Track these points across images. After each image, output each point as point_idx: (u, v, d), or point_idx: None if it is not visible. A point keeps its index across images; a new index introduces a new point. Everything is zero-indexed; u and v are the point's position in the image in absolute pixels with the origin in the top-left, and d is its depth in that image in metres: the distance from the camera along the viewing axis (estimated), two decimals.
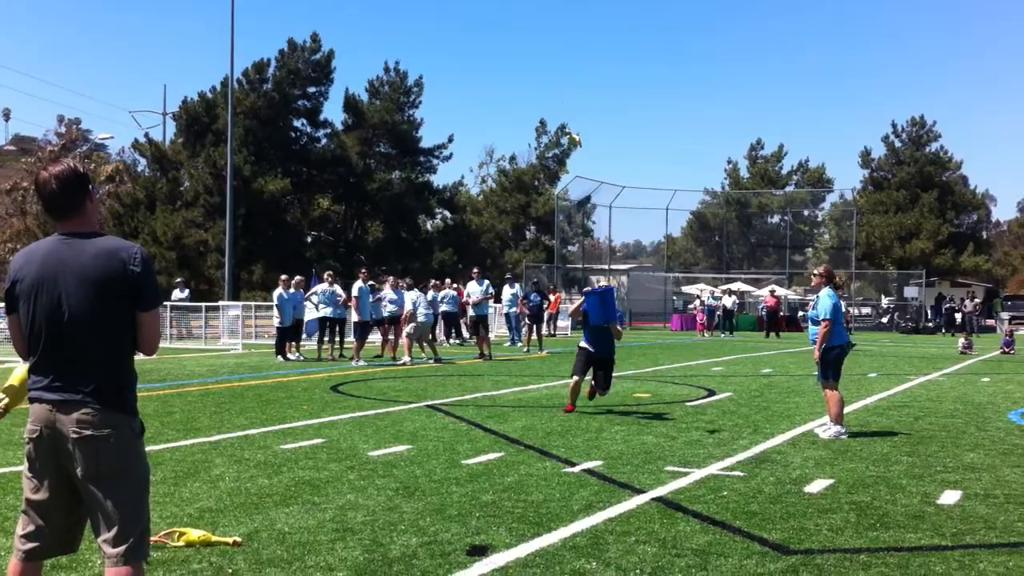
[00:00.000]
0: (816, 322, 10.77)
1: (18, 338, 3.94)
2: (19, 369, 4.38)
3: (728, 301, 42.53)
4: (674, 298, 58.18)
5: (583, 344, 12.56)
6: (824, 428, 10.67)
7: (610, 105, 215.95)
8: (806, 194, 72.25)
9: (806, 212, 74.01)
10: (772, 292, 44.79)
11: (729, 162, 77.07)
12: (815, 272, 11.20)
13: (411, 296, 21.27)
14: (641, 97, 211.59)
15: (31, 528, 3.87)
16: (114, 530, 3.74)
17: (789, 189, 73.36)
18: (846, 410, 11.30)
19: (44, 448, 3.81)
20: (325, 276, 23.58)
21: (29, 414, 3.85)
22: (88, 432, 3.72)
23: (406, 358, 20.73)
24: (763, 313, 43.79)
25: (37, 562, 3.95)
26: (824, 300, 10.70)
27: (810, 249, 75.38)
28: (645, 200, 65.34)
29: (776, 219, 73.46)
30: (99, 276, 3.75)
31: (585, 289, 13.20)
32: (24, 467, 3.92)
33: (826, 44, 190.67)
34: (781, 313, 44.99)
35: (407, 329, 21.08)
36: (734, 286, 51.19)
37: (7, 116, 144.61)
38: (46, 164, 3.94)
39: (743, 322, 45.72)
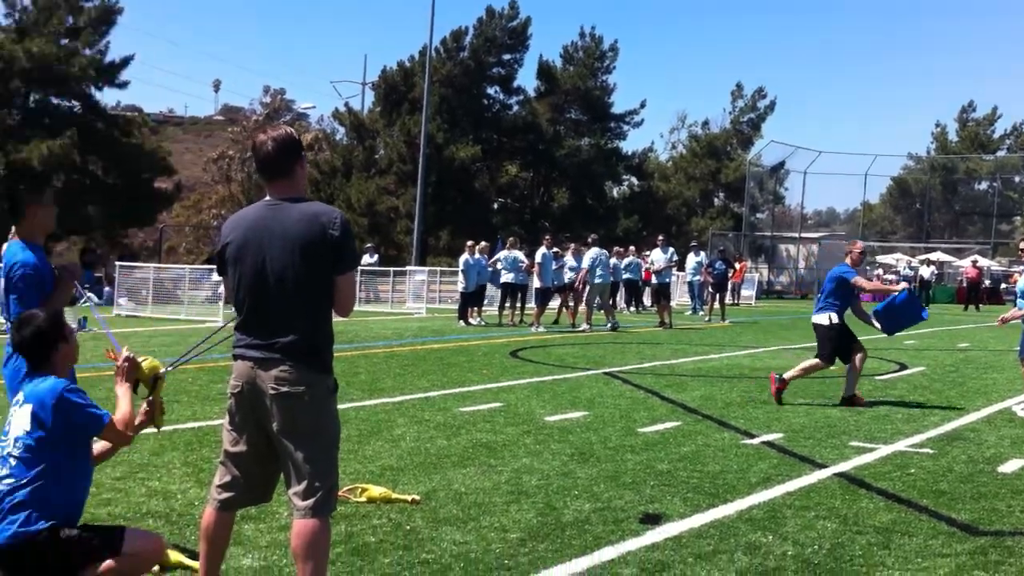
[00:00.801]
0: None
1: (231, 296, 4.15)
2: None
3: (925, 272, 40.67)
4: (868, 268, 56.02)
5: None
6: (1023, 406, 10.08)
7: (810, 68, 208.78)
8: (1019, 159, 67.96)
9: (1017, 179, 69.66)
10: (975, 263, 42.53)
11: (937, 126, 73.35)
12: (1022, 246, 10.47)
13: (591, 254, 21.18)
14: (843, 59, 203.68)
15: (227, 479, 4.08)
16: (304, 484, 3.90)
17: (1001, 154, 69.15)
18: None
19: (244, 403, 4.00)
20: (508, 242, 23.84)
21: (232, 370, 4.05)
22: (285, 389, 3.88)
23: (584, 326, 20.76)
24: (963, 284, 41.64)
25: (231, 512, 4.16)
26: None
27: (1019, 218, 71.03)
28: (843, 166, 63.08)
29: (984, 185, 69.52)
30: (301, 239, 3.90)
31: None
32: (225, 420, 4.14)
33: None
34: (984, 285, 42.65)
35: (585, 296, 21.16)
36: (933, 256, 48.89)
37: (217, 87, 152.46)
38: (261, 129, 4.14)
39: (941, 294, 43.63)
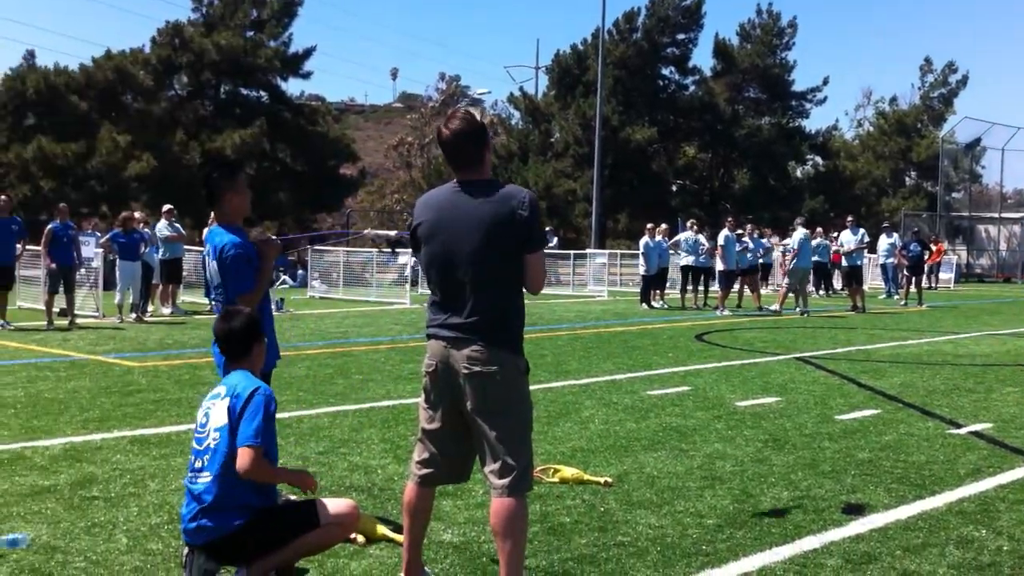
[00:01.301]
0: None
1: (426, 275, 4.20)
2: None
3: None
4: None
5: None
6: None
7: (1004, 37, 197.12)
8: None
9: None
10: None
11: None
12: None
13: (798, 235, 20.70)
14: None
15: (426, 455, 4.13)
16: (499, 462, 3.91)
17: None
18: None
19: (439, 381, 4.03)
20: (688, 224, 23.49)
21: (427, 349, 4.09)
22: (477, 368, 3.90)
23: (775, 306, 20.27)
24: None
25: (431, 488, 4.21)
26: None
27: None
28: None
29: None
30: (491, 220, 3.90)
31: None
32: (421, 399, 4.18)
33: None
34: None
35: (787, 277, 20.73)
36: None
37: (394, 75, 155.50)
38: (446, 118, 4.11)
39: None
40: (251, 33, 40.72)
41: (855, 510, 5.55)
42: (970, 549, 4.89)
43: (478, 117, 4.10)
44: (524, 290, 4.08)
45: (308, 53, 42.13)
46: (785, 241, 24.89)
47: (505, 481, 3.89)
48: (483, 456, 3.99)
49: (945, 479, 6.28)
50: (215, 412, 4.14)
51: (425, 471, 4.14)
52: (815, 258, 24.96)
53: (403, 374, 10.54)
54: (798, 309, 20.38)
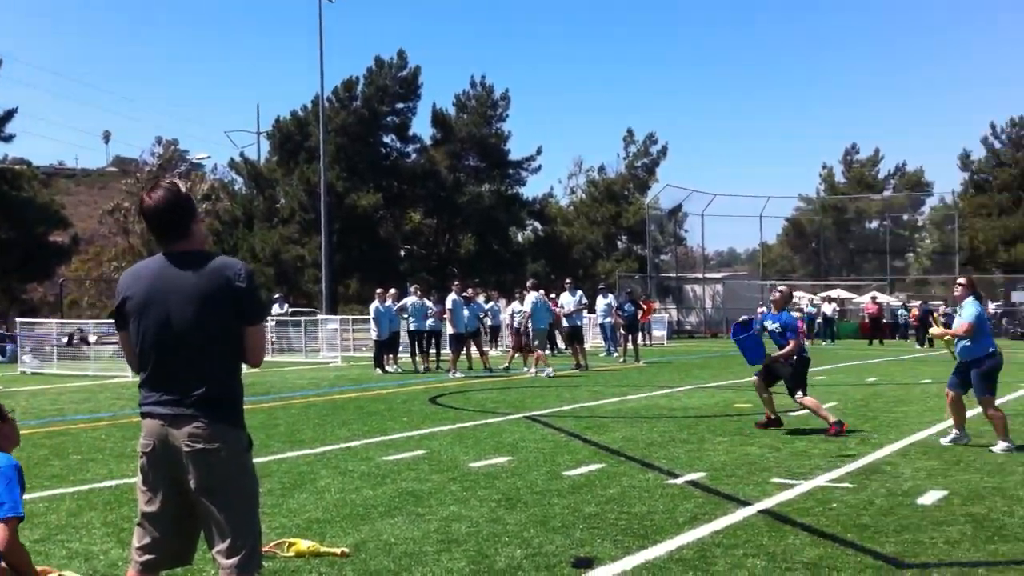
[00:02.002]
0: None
1: (129, 352, 4.03)
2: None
3: (828, 308, 41.75)
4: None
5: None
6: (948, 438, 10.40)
7: (700, 112, 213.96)
8: (904, 199, 70.40)
9: (905, 217, 72.05)
10: (874, 299, 43.82)
11: (824, 167, 75.57)
12: (958, 282, 10.58)
13: (531, 298, 21.40)
14: (732, 103, 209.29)
15: (147, 540, 3.94)
16: (227, 542, 3.80)
17: (887, 194, 71.55)
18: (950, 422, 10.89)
19: (157, 462, 3.88)
20: (412, 289, 23.82)
21: (142, 428, 3.93)
22: (200, 446, 3.79)
23: (547, 370, 20.70)
24: (865, 320, 42.84)
25: (154, 574, 4.01)
26: (969, 308, 10.12)
27: (911, 254, 73.53)
28: (738, 208, 64.50)
29: (874, 224, 71.75)
30: (206, 292, 3.82)
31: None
32: (138, 480, 4.00)
33: (921, 46, 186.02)
34: (884, 320, 43.92)
35: (534, 341, 21.34)
36: (833, 293, 50.21)
37: (107, 138, 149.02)
38: (148, 187, 4.00)
39: (844, 329, 44.77)
40: None
41: (584, 564, 5.77)
42: None
43: (183, 188, 4.00)
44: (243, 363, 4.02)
45: (9, 115, 39.67)
46: (513, 305, 25.63)
47: (234, 561, 3.79)
48: (209, 537, 3.86)
49: (665, 528, 6.64)
50: None
51: (147, 557, 3.95)
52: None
53: (126, 452, 10.00)
54: (547, 371, 20.84)
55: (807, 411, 13.45)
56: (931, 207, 70.76)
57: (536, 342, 21.39)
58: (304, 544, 6.00)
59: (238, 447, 3.88)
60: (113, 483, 8.32)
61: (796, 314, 45.29)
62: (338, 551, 5.94)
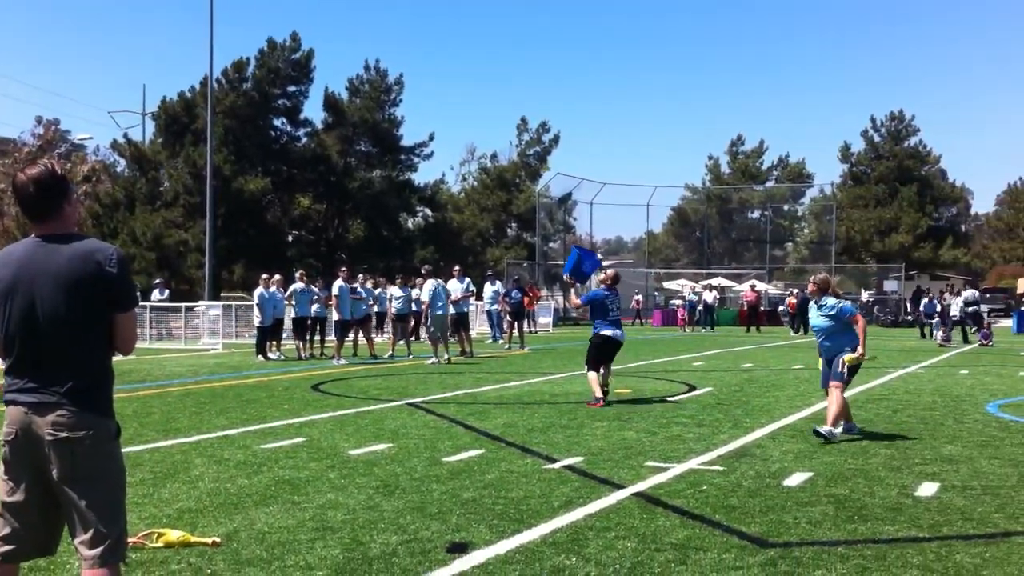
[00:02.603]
0: (830, 330, 10.15)
1: None
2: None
3: (709, 296, 42.69)
4: (655, 294, 58.36)
5: (605, 332, 13.29)
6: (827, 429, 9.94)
7: (590, 101, 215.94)
8: (786, 189, 72.52)
9: (786, 207, 74.21)
10: (753, 287, 44.99)
11: (710, 158, 77.30)
12: (812, 280, 10.51)
13: (429, 286, 21.31)
14: (621, 93, 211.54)
15: (7, 531, 3.85)
16: (91, 532, 3.74)
17: (769, 184, 73.62)
18: (820, 405, 11.26)
19: (20, 450, 3.78)
20: (298, 276, 23.55)
21: (5, 416, 3.83)
22: (64, 434, 3.71)
23: (434, 359, 20.57)
24: (744, 307, 43.97)
25: (14, 564, 3.93)
26: (836, 302, 10.16)
27: (790, 244, 75.75)
28: (626, 196, 65.68)
29: (756, 214, 73.72)
30: (75, 278, 3.74)
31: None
32: (0, 470, 3.90)
33: (805, 39, 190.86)
34: (762, 308, 45.15)
35: (427, 327, 21.18)
36: (715, 281, 51.37)
37: None
38: (23, 166, 3.91)
39: (724, 317, 45.89)
40: None
41: (458, 548, 5.82)
42: None
43: (58, 168, 3.92)
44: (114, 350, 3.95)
45: None
46: (392, 290, 25.38)
47: (97, 551, 3.73)
48: (72, 526, 3.79)
49: (540, 512, 6.74)
50: None
51: (7, 547, 3.86)
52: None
53: None
54: (444, 358, 20.86)
55: (685, 396, 13.81)
56: (811, 198, 73.03)
57: (432, 329, 21.28)
58: (173, 534, 5.90)
59: (105, 435, 3.81)
60: None
61: (677, 302, 46.17)
62: (209, 541, 5.87)
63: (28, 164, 3.92)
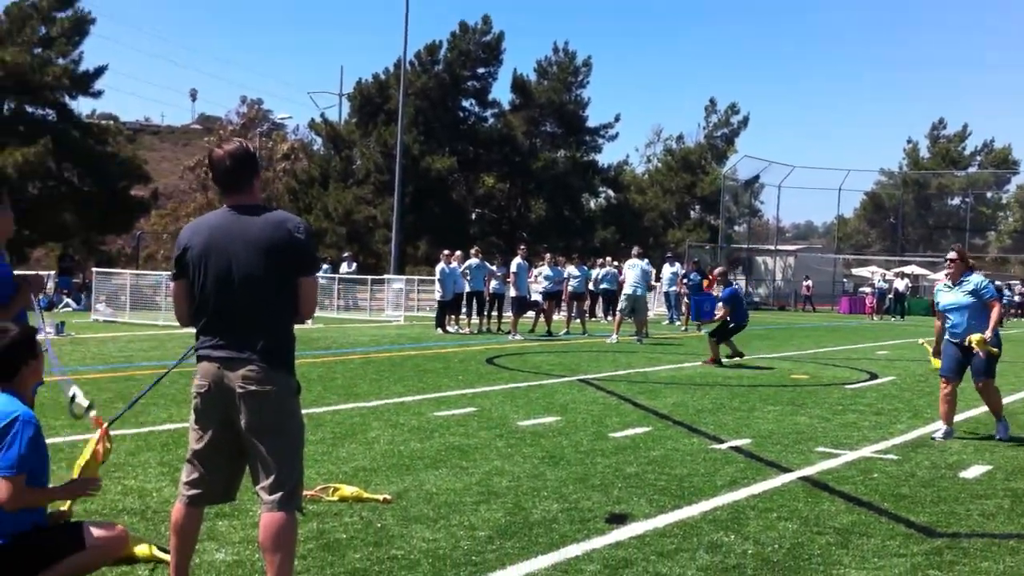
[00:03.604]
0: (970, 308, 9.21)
1: (181, 302, 4.20)
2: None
3: (900, 284, 41.08)
4: (844, 280, 56.53)
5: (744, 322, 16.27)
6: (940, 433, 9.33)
7: (781, 82, 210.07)
8: (989, 175, 68.77)
9: (989, 194, 70.44)
10: None
11: (909, 142, 74.13)
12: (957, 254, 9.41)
13: (640, 264, 21.55)
14: (813, 73, 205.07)
15: (195, 476, 4.18)
16: (271, 479, 4.02)
17: (972, 170, 69.94)
18: (1010, 399, 10.76)
19: (211, 402, 4.10)
20: (473, 252, 23.98)
21: (198, 371, 4.15)
22: (253, 388, 4.00)
23: (614, 337, 20.72)
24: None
25: (199, 508, 4.25)
26: (983, 279, 9.27)
27: (992, 233, 71.84)
28: (817, 180, 63.61)
29: (956, 201, 70.28)
30: (266, 244, 4.02)
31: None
32: (191, 419, 4.22)
33: (1015, 19, 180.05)
34: None
35: (620, 305, 21.28)
36: (907, 269, 49.34)
37: (194, 96, 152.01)
38: (221, 142, 4.23)
39: (916, 306, 44.00)
40: (39, 50, 38.84)
41: (617, 519, 5.91)
42: (718, 553, 5.30)
43: (250, 146, 4.25)
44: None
45: (100, 71, 40.49)
46: (570, 269, 25.46)
47: (276, 496, 4.00)
48: (255, 473, 4.08)
49: (703, 489, 6.75)
50: None
51: (193, 491, 4.18)
52: (604, 286, 25.94)
53: (187, 398, 10.31)
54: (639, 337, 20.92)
55: (865, 384, 13.41)
56: (1017, 185, 68.99)
57: (624, 307, 21.25)
58: (348, 490, 6.22)
59: (288, 391, 4.09)
60: (171, 426, 8.66)
61: (866, 289, 44.60)
62: (380, 497, 6.16)
63: (224, 141, 4.24)
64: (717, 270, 16.40)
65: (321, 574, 4.79)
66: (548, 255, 24.54)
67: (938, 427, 9.49)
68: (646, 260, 22.51)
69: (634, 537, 5.53)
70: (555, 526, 5.73)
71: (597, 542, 5.42)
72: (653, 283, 22.47)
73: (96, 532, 4.16)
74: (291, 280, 4.08)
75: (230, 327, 4.05)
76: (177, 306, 4.26)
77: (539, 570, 4.93)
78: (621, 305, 21.29)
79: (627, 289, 21.10)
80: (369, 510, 5.94)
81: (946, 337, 9.50)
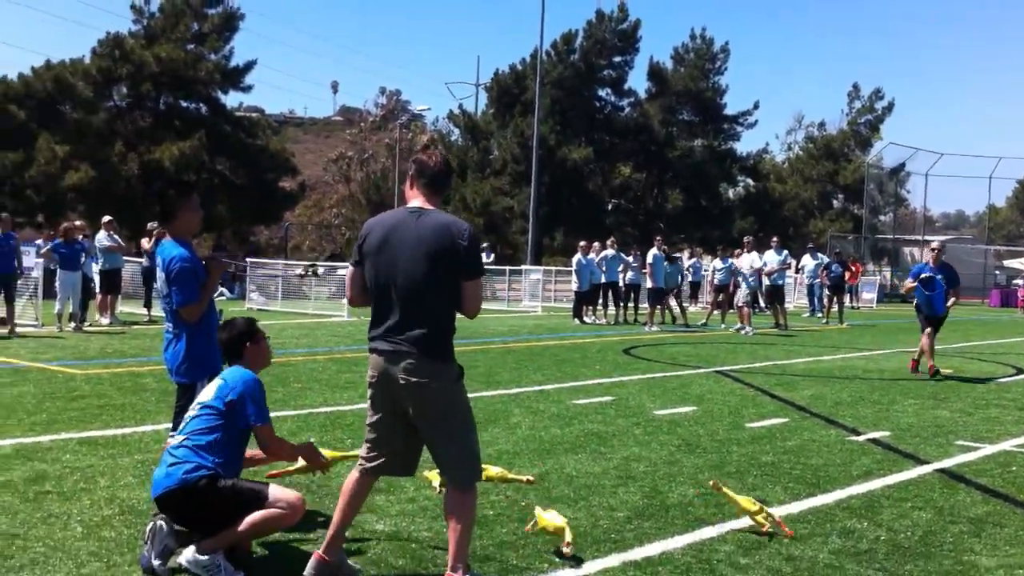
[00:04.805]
0: None
1: (354, 289, 4.62)
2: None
3: None
4: (996, 272, 54.47)
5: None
6: None
7: (928, 66, 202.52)
8: None
9: None
10: None
11: None
12: None
13: (762, 255, 21.64)
14: (963, 57, 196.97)
15: (374, 451, 4.59)
16: (446, 460, 4.45)
17: None
18: None
19: (380, 390, 4.50)
20: (609, 243, 24.16)
21: (369, 362, 4.55)
22: (413, 379, 4.36)
23: (748, 328, 20.77)
24: None
25: (373, 477, 4.66)
26: None
27: None
28: (966, 168, 61.50)
29: None
30: (433, 246, 4.37)
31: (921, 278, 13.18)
32: (368, 404, 4.63)
33: None
34: None
35: (741, 297, 21.38)
36: None
37: (335, 88, 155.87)
38: (429, 153, 4.65)
39: None
40: (192, 46, 40.74)
41: None
42: (851, 538, 5.47)
43: (453, 162, 4.70)
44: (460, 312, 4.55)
45: (249, 66, 42.25)
46: (715, 262, 25.51)
47: (453, 475, 4.44)
48: (434, 455, 4.50)
49: (838, 479, 6.89)
50: (204, 392, 4.89)
51: (371, 464, 4.59)
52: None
53: (340, 383, 10.96)
54: (747, 330, 20.94)
55: (1011, 379, 13.15)
56: None
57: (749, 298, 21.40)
58: (494, 470, 6.58)
59: (448, 379, 4.44)
60: (328, 409, 9.22)
61: (1019, 281, 42.89)
62: (524, 478, 6.50)
63: (431, 152, 4.65)
64: (935, 243, 13.77)
65: (472, 545, 5.15)
66: (719, 248, 24.86)
67: None
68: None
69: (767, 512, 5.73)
70: (691, 509, 5.98)
71: (732, 525, 5.65)
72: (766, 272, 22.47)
73: (278, 493, 4.65)
74: (452, 281, 4.41)
75: (394, 321, 4.41)
76: (349, 289, 4.68)
77: (675, 549, 5.20)
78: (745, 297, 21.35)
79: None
80: (513, 490, 6.30)
81: None
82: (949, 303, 12.80)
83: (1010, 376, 13.67)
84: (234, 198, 40.96)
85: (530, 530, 5.45)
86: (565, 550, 5.04)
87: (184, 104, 42.06)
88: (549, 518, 5.54)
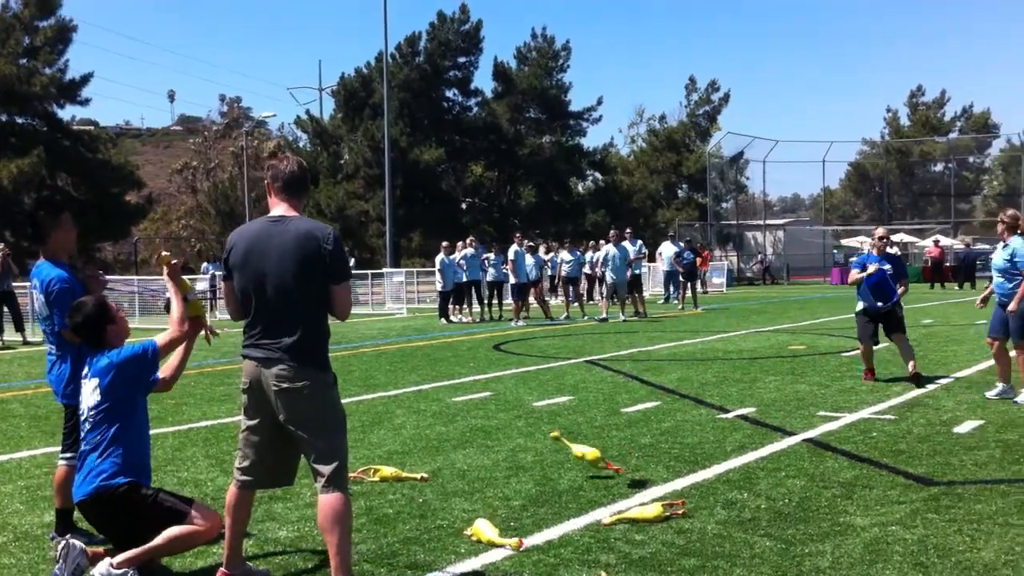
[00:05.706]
0: (1007, 273, 9.56)
1: (231, 302, 4.65)
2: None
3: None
4: (834, 252, 57.07)
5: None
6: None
7: (760, 57, 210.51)
8: (971, 140, 69.42)
9: (971, 159, 71.11)
10: (936, 242, 43.55)
11: (888, 111, 74.86)
12: (1002, 218, 9.74)
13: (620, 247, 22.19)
14: (792, 47, 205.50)
15: (247, 463, 4.60)
16: (318, 464, 4.40)
17: (952, 136, 70.59)
18: None
19: (254, 397, 4.53)
20: (468, 241, 24.45)
21: (243, 368, 4.58)
22: (285, 385, 4.40)
23: (622, 316, 21.44)
24: (928, 264, 42.64)
25: (251, 491, 4.67)
26: (1021, 249, 9.43)
27: (976, 197, 72.53)
28: (801, 153, 64.34)
29: (939, 167, 70.93)
30: (298, 253, 4.41)
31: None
32: (242, 411, 4.65)
33: None
34: (946, 263, 43.65)
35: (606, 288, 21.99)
36: (896, 237, 49.87)
37: (172, 97, 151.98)
38: (281, 158, 4.72)
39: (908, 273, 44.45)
40: (24, 60, 39.12)
41: (638, 484, 6.40)
42: (734, 509, 5.79)
43: (306, 165, 4.73)
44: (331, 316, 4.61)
45: (86, 79, 40.89)
46: (563, 255, 26.03)
47: (324, 480, 4.37)
48: (306, 458, 4.48)
49: (714, 455, 7.25)
50: (85, 394, 4.78)
51: (246, 477, 4.60)
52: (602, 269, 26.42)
53: (215, 396, 10.82)
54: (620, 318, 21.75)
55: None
56: (999, 149, 69.62)
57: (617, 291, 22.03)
58: (388, 470, 6.71)
59: (322, 385, 4.47)
60: (209, 423, 9.11)
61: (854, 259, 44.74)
62: (418, 476, 6.65)
63: (284, 157, 4.72)
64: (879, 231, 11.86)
65: (377, 543, 5.27)
66: (567, 241, 25.29)
67: (934, 386, 10.00)
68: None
69: (655, 498, 6.01)
70: (582, 493, 6.22)
71: (622, 504, 5.91)
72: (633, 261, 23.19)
73: (199, 511, 4.66)
74: (322, 287, 4.46)
75: (265, 329, 4.45)
76: (227, 303, 4.71)
77: (573, 531, 5.41)
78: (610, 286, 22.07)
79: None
80: (409, 488, 6.42)
81: (992, 296, 9.97)
82: (900, 291, 11.20)
83: (858, 349, 14.42)
84: (78, 214, 39.34)
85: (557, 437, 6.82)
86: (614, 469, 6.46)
87: (20, 120, 40.39)
88: (581, 450, 6.61)
